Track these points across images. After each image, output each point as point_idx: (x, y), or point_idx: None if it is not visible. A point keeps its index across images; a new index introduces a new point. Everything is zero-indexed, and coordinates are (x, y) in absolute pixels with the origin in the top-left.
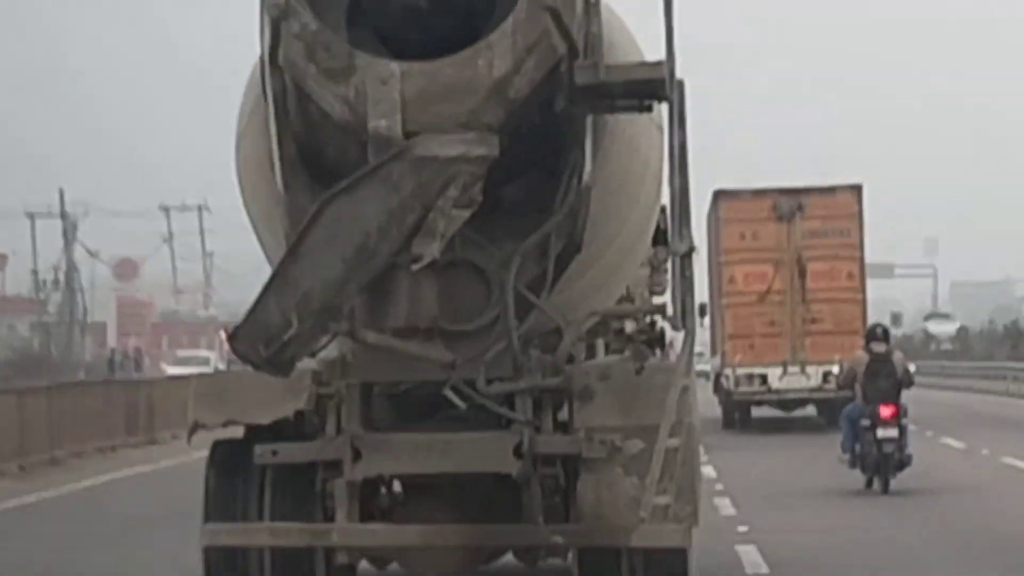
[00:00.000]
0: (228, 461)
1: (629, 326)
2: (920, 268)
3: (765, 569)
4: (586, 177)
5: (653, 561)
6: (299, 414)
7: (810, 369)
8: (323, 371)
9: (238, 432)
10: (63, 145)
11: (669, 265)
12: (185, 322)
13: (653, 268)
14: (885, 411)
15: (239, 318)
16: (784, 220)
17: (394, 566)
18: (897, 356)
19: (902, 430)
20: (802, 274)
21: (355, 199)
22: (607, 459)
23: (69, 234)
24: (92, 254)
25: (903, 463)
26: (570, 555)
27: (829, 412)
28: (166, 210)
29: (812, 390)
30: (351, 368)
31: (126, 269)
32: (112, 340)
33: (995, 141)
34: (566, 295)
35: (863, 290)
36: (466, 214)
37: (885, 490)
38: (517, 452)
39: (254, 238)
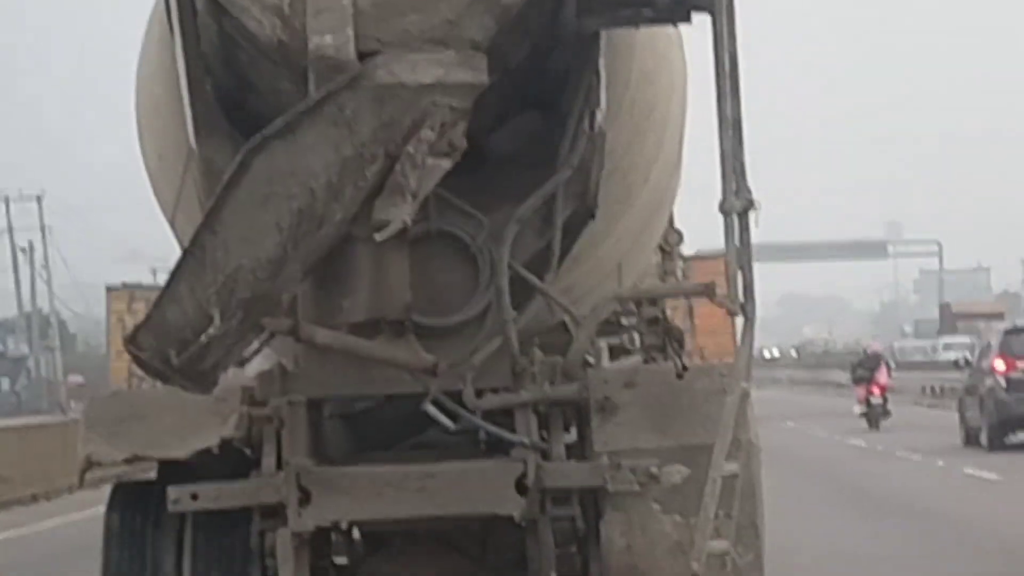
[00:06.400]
0: (134, 509)
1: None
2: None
3: None
4: (600, 118)
5: None
6: (226, 444)
7: None
8: (256, 385)
9: (146, 471)
10: None
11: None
12: None
13: (664, 251)
14: None
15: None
16: None
17: None
18: None
19: None
20: None
21: (294, 146)
22: (640, 492)
23: None
24: None
25: None
26: None
27: None
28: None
29: None
30: (294, 379)
31: None
32: None
33: None
34: (574, 277)
35: None
36: (446, 164)
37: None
38: (520, 486)
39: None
